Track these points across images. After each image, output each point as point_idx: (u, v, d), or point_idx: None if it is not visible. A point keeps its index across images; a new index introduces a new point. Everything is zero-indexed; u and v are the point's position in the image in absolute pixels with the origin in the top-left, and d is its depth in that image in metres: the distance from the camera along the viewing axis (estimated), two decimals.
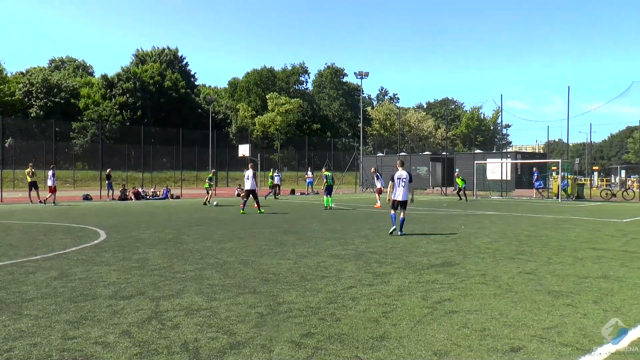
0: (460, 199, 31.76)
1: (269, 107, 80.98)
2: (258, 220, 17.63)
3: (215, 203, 25.20)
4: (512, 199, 33.37)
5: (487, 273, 8.24)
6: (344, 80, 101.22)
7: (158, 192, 32.74)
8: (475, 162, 38.16)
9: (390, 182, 13.58)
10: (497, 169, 39.84)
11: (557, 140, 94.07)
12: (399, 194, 13.19)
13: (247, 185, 20.58)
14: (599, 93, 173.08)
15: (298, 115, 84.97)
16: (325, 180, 23.58)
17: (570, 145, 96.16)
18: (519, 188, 39.64)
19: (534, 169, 36.30)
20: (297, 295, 6.72)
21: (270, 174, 34.88)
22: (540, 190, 34.45)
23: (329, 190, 23.26)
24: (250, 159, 46.26)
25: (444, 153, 46.03)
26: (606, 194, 33.23)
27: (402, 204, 13.21)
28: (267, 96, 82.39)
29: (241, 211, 20.33)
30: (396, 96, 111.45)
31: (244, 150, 41.22)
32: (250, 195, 20.67)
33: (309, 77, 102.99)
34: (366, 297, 6.65)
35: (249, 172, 20.63)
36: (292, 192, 40.71)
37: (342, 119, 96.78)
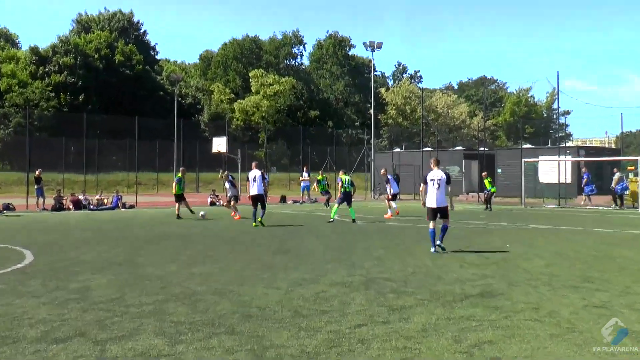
0: (487, 207, 31.79)
1: (253, 89, 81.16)
2: (238, 237, 17.59)
3: (201, 214, 25.04)
4: (573, 209, 33.38)
5: (542, 306, 8.15)
6: (351, 53, 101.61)
7: (105, 200, 32.70)
8: (524, 160, 38.14)
9: (422, 184, 14.13)
10: (552, 169, 39.77)
11: (635, 131, 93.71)
12: (433, 200, 13.70)
13: (253, 190, 21.15)
14: None
15: (291, 99, 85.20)
16: (340, 185, 23.83)
17: None
18: (581, 194, 39.59)
19: (583, 169, 36.40)
20: (289, 336, 6.67)
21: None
22: (590, 196, 34.70)
23: (347, 199, 23.40)
24: (227, 156, 46.36)
25: (482, 148, 46.09)
26: None
27: (442, 212, 13.75)
28: (250, 74, 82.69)
29: (253, 223, 20.83)
30: (418, 74, 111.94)
31: (219, 144, 41.23)
32: (259, 204, 21.26)
33: (305, 50, 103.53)
34: (380, 338, 6.58)
35: (255, 173, 21.29)
36: (283, 199, 40.75)
37: (348, 103, 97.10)
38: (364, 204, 38.34)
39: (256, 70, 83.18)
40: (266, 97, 79.06)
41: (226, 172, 27.40)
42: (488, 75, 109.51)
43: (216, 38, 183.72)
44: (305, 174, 39.80)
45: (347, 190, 23.58)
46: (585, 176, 35.15)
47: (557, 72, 42.73)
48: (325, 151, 60.17)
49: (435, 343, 6.42)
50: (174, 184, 25.99)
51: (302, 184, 40.17)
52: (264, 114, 78.92)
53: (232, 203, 25.06)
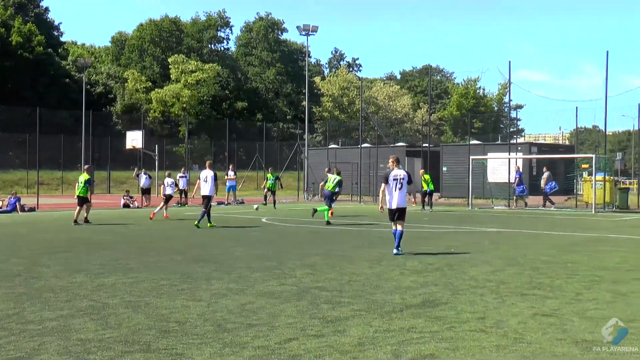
0: (423, 207, 33.02)
1: (173, 77, 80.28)
2: (154, 243, 17.42)
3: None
4: (524, 210, 34.22)
5: (488, 316, 8.30)
6: (283, 38, 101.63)
7: (1, 203, 31.92)
8: (471, 157, 38.75)
9: (382, 184, 14.83)
10: (502, 167, 40.62)
11: (590, 127, 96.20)
12: (395, 201, 14.51)
13: (205, 190, 22.50)
14: None
15: (215, 88, 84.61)
16: (324, 184, 25.79)
17: (609, 134, 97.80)
18: (535, 194, 40.61)
19: (516, 167, 37.62)
20: (212, 353, 6.64)
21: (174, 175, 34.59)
22: (523, 197, 36.21)
23: (330, 198, 24.76)
24: (143, 152, 45.75)
25: (426, 144, 46.68)
26: None
27: (400, 213, 14.57)
28: (169, 60, 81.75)
29: (208, 224, 22.15)
30: (357, 62, 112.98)
31: (134, 139, 40.57)
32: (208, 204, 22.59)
33: (232, 33, 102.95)
34: (312, 353, 6.62)
35: (207, 173, 22.71)
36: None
37: (280, 94, 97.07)
38: (295, 205, 38.43)
39: (176, 55, 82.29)
40: (187, 86, 78.30)
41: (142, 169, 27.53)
42: (433, 64, 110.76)
43: (130, 18, 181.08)
44: (231, 173, 39.56)
45: (331, 189, 24.73)
46: (517, 175, 36.24)
47: (509, 62, 43.55)
48: (254, 147, 60.19)
49: (373, 358, 6.47)
50: (78, 184, 24.93)
51: (227, 183, 39.78)
52: (184, 105, 78.13)
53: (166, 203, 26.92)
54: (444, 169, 44.49)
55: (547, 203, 35.66)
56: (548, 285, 10.66)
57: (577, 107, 39.00)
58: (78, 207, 24.21)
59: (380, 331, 7.52)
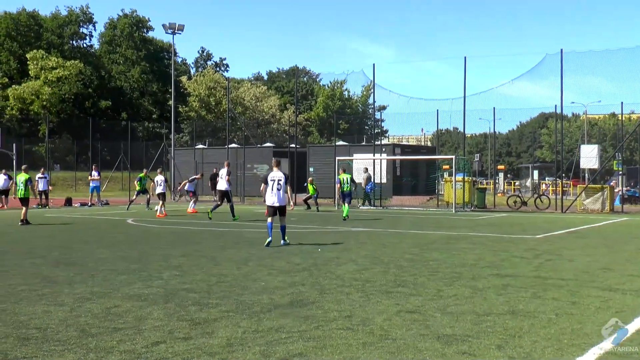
0: (309, 207, 34.41)
1: (31, 73, 77.23)
2: (12, 246, 16.75)
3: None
4: (389, 210, 35.11)
5: (354, 314, 8.45)
6: (149, 36, 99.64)
7: None
8: (337, 158, 39.35)
9: (262, 184, 16.75)
10: (367, 167, 41.56)
11: (451, 129, 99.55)
12: (275, 199, 16.34)
13: (222, 185, 25.64)
14: (504, 67, 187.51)
15: (77, 86, 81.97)
16: (339, 186, 28.18)
17: (468, 136, 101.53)
18: (398, 194, 41.76)
19: (365, 168, 38.85)
20: (76, 359, 6.46)
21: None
22: (369, 195, 37.77)
23: (349, 196, 27.58)
24: (0, 152, 43.89)
25: (293, 145, 46.98)
26: (515, 201, 36.15)
27: (280, 210, 16.48)
28: (27, 55, 78.51)
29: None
30: (224, 62, 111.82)
31: None
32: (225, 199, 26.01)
33: (95, 30, 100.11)
34: (180, 356, 6.55)
35: (223, 171, 25.76)
36: (68, 202, 39.23)
37: (145, 93, 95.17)
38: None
39: (35, 51, 79.07)
40: (48, 83, 75.54)
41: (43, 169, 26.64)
42: (300, 66, 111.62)
43: None
44: (94, 173, 38.46)
45: (346, 190, 27.42)
46: (364, 176, 37.50)
47: (374, 65, 44.37)
48: (119, 147, 58.59)
49: (242, 359, 6.46)
50: (17, 185, 24.51)
51: (91, 184, 38.72)
52: (45, 103, 75.35)
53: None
54: (311, 169, 44.89)
55: (366, 202, 37.56)
56: (411, 282, 10.93)
57: (437, 110, 40.10)
58: (24, 208, 23.79)
59: (249, 332, 7.52)
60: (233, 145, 51.47)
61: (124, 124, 66.26)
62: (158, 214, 28.40)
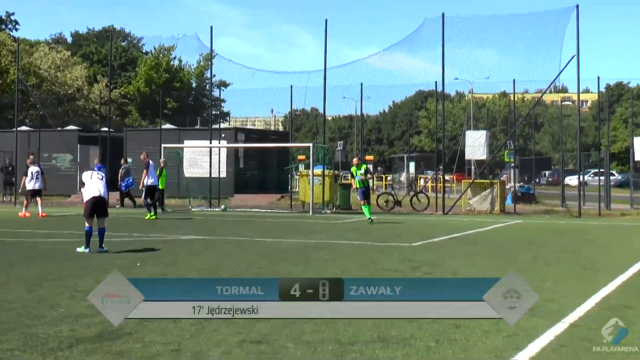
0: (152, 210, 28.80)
1: None
2: None
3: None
4: (228, 212, 32.11)
5: (184, 347, 7.42)
6: None
7: None
8: (164, 145, 34.40)
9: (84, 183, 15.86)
10: (203, 158, 37.48)
11: (308, 110, 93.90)
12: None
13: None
14: (376, 35, 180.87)
15: None
16: (352, 179, 26.90)
17: (329, 119, 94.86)
18: (241, 192, 38.50)
19: (122, 159, 34.76)
20: None
21: None
22: (129, 194, 32.85)
23: (365, 195, 25.38)
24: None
25: (105, 129, 40.74)
26: (386, 201, 33.17)
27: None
28: None
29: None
30: (12, 18, 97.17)
31: None
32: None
33: None
34: None
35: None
36: None
37: None
38: None
39: None
40: None
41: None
42: (117, 27, 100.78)
43: None
44: None
45: (363, 186, 25.30)
46: (122, 168, 33.41)
47: (211, 27, 37.76)
48: None
49: None
50: None
51: None
52: None
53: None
54: (129, 160, 37.67)
55: (123, 202, 33.25)
56: None
57: (291, 86, 36.48)
58: None
59: None
60: (24, 127, 45.58)
61: None
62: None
